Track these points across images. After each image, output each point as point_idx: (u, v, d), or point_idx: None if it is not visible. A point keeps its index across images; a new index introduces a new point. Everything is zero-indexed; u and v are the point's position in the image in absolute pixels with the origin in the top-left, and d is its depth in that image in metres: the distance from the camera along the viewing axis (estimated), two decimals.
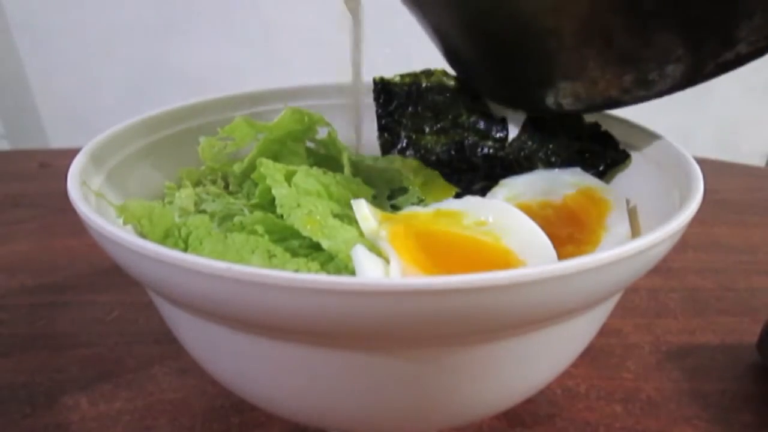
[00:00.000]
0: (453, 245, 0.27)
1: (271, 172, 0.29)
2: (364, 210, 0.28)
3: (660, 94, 0.29)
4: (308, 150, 0.37)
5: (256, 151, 0.34)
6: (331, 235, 0.27)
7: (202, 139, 0.34)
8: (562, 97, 0.31)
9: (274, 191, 0.28)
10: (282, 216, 0.28)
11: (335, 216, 0.29)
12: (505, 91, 0.36)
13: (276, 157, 0.34)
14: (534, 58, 0.31)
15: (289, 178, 0.30)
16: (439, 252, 0.26)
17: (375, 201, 0.35)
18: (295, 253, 0.27)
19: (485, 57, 0.34)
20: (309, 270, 0.25)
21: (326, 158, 0.37)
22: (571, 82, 0.30)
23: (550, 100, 0.32)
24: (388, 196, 0.37)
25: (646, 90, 0.29)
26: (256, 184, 0.31)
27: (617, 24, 0.27)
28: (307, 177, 0.31)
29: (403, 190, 0.37)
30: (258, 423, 0.32)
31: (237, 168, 0.35)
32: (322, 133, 0.37)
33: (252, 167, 0.33)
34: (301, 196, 0.29)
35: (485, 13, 0.29)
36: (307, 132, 0.36)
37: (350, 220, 0.29)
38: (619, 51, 0.28)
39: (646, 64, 0.28)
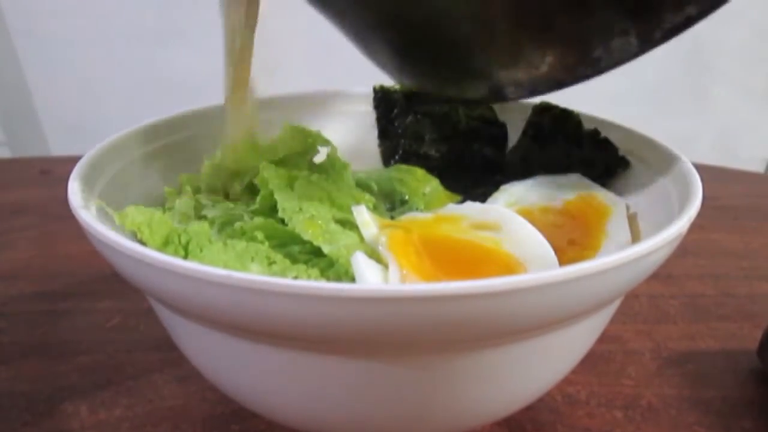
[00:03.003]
0: (453, 250, 0.27)
1: (274, 177, 0.29)
2: (364, 216, 0.28)
3: (607, 70, 0.26)
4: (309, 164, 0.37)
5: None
6: (332, 240, 0.27)
7: (206, 162, 0.34)
8: (501, 86, 0.29)
9: (276, 195, 0.28)
10: (283, 221, 0.28)
11: (337, 221, 0.29)
12: (440, 85, 0.33)
13: None
14: (462, 49, 0.28)
15: (291, 183, 0.30)
16: (439, 257, 0.26)
17: (375, 212, 0.35)
18: (295, 260, 0.27)
19: (407, 52, 0.30)
20: (309, 276, 0.25)
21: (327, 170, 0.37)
22: (508, 69, 0.27)
23: (489, 91, 0.30)
24: (388, 208, 0.36)
25: (593, 68, 0.26)
26: (257, 191, 0.31)
27: (553, 2, 0.24)
28: (309, 183, 0.31)
29: (403, 203, 0.37)
30: (258, 430, 0.31)
31: (238, 185, 0.34)
32: (321, 151, 0.36)
33: (253, 185, 0.33)
34: (303, 201, 0.29)
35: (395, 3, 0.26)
36: (308, 151, 0.36)
37: (351, 225, 0.29)
38: (557, 32, 0.25)
39: (590, 42, 0.25)
